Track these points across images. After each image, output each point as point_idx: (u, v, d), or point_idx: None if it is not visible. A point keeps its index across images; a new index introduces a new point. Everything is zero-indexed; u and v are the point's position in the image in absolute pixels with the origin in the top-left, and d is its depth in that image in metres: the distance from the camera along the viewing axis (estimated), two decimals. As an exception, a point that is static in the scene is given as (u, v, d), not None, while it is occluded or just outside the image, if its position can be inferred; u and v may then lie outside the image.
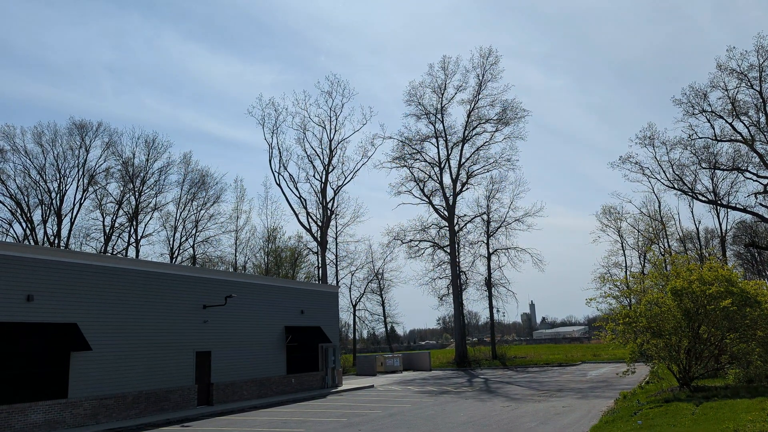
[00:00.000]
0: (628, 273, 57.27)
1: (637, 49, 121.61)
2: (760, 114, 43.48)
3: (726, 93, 44.11)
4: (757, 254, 62.88)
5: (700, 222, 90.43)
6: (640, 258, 60.89)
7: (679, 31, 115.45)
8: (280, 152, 52.89)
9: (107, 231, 50.77)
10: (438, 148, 53.65)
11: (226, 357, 25.67)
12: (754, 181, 45.76)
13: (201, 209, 55.67)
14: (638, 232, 60.97)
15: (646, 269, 55.89)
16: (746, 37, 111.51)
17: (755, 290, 19.61)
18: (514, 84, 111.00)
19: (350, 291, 60.69)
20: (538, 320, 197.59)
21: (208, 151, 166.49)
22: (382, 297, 66.20)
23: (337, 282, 55.95)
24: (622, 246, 61.91)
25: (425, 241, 54.28)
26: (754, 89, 43.08)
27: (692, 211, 68.40)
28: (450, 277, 52.53)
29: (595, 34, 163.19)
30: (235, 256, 57.27)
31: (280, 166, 52.54)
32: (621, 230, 62.12)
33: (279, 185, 59.13)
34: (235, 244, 57.25)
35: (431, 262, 54.52)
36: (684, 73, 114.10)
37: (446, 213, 52.74)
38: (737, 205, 48.60)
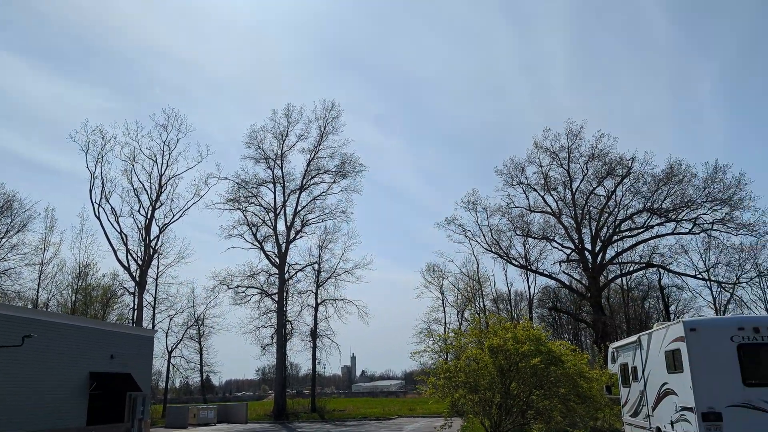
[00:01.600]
0: (447, 329, 60.20)
1: (466, 121, 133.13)
2: (567, 191, 49.13)
3: (540, 169, 49.39)
4: (557, 317, 69.69)
5: (512, 284, 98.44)
6: (458, 315, 64.47)
7: (504, 109, 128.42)
8: (103, 182, 47.95)
9: None
10: (275, 193, 53.02)
11: (16, 404, 22.25)
12: (559, 250, 51.14)
13: (2, 237, 49.01)
14: (458, 290, 64.72)
15: (463, 326, 59.22)
16: (559, 120, 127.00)
17: (559, 350, 21.37)
18: (353, 139, 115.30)
19: (167, 336, 56.38)
20: (358, 373, 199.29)
21: (17, 174, 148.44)
22: (200, 344, 62.57)
23: (154, 326, 51.76)
24: (443, 303, 65.20)
25: (253, 287, 52.55)
26: (563, 168, 48.73)
27: (506, 274, 74.89)
28: (276, 326, 51.19)
29: (428, 103, 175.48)
30: (38, 291, 50.78)
31: (101, 198, 47.56)
32: (443, 287, 65.50)
33: (98, 217, 50.51)
34: (39, 278, 50.85)
35: (257, 310, 52.76)
36: (506, 146, 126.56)
37: (278, 260, 51.79)
38: (544, 271, 53.73)
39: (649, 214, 46.97)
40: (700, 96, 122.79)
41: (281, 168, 53.11)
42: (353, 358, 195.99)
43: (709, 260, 53.57)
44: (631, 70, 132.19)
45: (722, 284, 50.58)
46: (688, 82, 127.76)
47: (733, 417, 12.84)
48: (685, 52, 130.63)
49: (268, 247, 52.50)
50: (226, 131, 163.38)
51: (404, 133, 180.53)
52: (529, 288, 62.92)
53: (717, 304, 54.82)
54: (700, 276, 51.79)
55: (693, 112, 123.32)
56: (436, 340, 25.54)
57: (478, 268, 63.21)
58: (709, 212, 45.01)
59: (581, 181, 48.72)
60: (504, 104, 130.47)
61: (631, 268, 52.95)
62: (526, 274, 61.02)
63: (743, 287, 50.81)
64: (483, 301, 64.39)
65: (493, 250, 53.32)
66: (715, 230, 45.49)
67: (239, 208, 52.23)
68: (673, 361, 14.69)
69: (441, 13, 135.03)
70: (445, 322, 63.81)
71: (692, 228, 46.20)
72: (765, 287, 51.94)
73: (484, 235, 52.86)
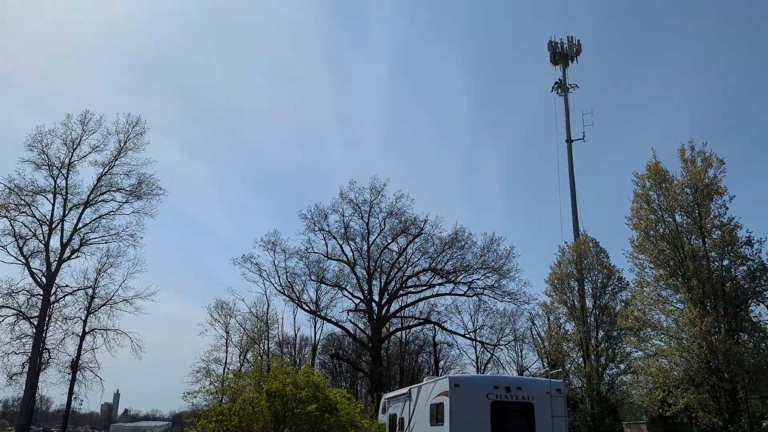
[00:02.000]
0: (227, 370, 57.97)
1: (277, 159, 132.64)
2: (364, 243, 51.17)
3: (343, 218, 50.94)
4: (338, 364, 71.01)
5: (299, 329, 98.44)
6: (240, 356, 62.54)
7: (316, 154, 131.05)
8: None
9: None
10: (54, 205, 47.27)
11: None
12: (349, 299, 52.60)
13: None
14: (244, 330, 63.01)
15: (245, 367, 57.49)
16: (366, 173, 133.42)
17: (335, 398, 21.70)
18: (155, 160, 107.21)
19: None
20: (120, 411, 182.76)
21: None
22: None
23: None
24: (227, 342, 62.92)
25: (9, 307, 45.80)
26: (364, 221, 50.84)
27: (295, 318, 74.44)
28: (30, 354, 44.89)
29: (243, 136, 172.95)
30: None
31: None
32: (228, 326, 63.33)
33: None
34: None
35: (10, 333, 45.90)
36: (314, 190, 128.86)
37: (44, 280, 45.99)
38: (332, 318, 54.72)
39: (432, 273, 50.72)
40: (487, 172, 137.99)
41: (66, 178, 47.84)
42: (117, 395, 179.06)
43: (477, 322, 59.20)
44: (434, 139, 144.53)
45: (485, 344, 56.02)
46: (479, 158, 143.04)
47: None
48: (480, 130, 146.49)
49: (36, 263, 46.52)
50: (3, 127, 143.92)
51: (213, 162, 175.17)
52: (315, 334, 63.51)
53: (479, 363, 60.29)
54: (468, 336, 57.09)
55: (480, 186, 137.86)
56: (213, 381, 24.44)
57: (268, 309, 62.42)
58: (482, 278, 50.03)
59: (378, 235, 51.18)
60: (316, 150, 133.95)
61: (412, 323, 56.29)
62: (315, 320, 61.61)
63: (502, 349, 56.84)
64: (268, 344, 63.43)
65: (286, 292, 53.10)
66: (485, 295, 50.61)
67: (7, 216, 45.78)
68: (436, 414, 15.72)
69: (269, 51, 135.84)
70: (225, 363, 61.53)
71: (467, 291, 50.87)
72: (519, 350, 58.51)
73: (279, 277, 52.49)
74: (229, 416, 19.79)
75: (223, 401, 25.48)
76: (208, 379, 38.39)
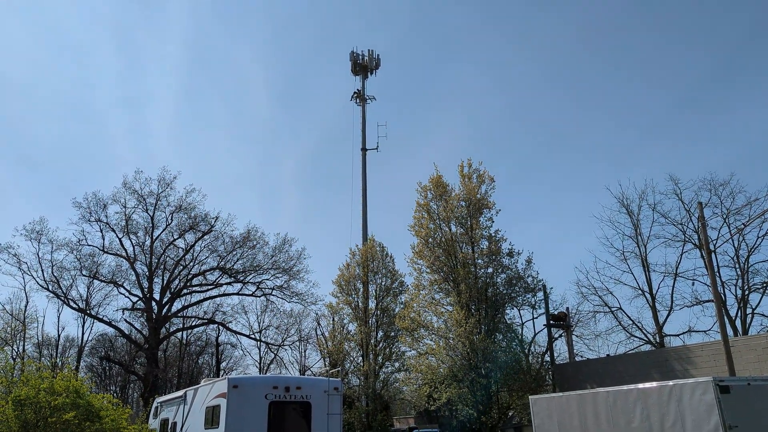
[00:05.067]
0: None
1: (45, 138, 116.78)
2: (147, 237, 47.71)
3: (124, 210, 46.94)
4: (108, 368, 65.31)
5: (64, 329, 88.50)
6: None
7: (94, 135, 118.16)
8: None
9: None
10: None
11: None
12: (126, 297, 48.58)
13: None
14: (-6, 330, 54.83)
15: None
16: (154, 163, 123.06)
17: (100, 403, 19.89)
18: None
19: None
20: None
21: None
22: None
23: None
24: (-32, 344, 54.15)
25: None
26: (148, 214, 47.41)
27: (59, 317, 66.65)
28: None
29: (4, 109, 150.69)
30: None
31: None
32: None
33: None
34: None
35: None
36: (91, 177, 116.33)
37: None
38: (104, 318, 50.14)
39: (221, 272, 49.15)
40: (284, 172, 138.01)
41: None
42: None
43: (263, 322, 58.81)
44: (231, 134, 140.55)
45: (270, 345, 55.85)
46: (276, 157, 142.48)
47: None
48: (279, 129, 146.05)
49: None
50: None
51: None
52: (83, 334, 57.71)
53: (262, 363, 59.93)
54: (253, 336, 56.42)
55: (276, 186, 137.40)
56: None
57: (26, 306, 55.21)
58: (272, 278, 49.76)
59: (163, 230, 48.12)
60: (94, 131, 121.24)
61: (194, 323, 53.96)
62: (83, 319, 56.00)
63: (286, 349, 57.18)
64: (24, 345, 56.10)
65: (50, 288, 47.29)
66: (274, 295, 50.41)
67: None
68: (212, 417, 15.21)
69: (44, 10, 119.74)
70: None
71: (255, 291, 50.20)
72: (303, 350, 59.37)
73: (43, 271, 46.57)
74: (-33, 430, 17.06)
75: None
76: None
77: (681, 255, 38.56)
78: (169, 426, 18.90)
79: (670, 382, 19.60)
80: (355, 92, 52.66)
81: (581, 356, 38.45)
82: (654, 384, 20.15)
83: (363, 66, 53.07)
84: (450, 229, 34.29)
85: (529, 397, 25.34)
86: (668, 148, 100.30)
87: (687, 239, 38.23)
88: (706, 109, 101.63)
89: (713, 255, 34.89)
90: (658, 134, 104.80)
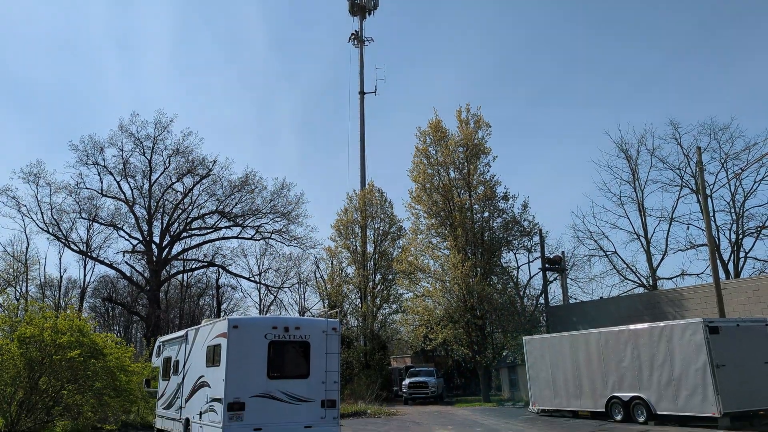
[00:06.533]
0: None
1: (41, 80, 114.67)
2: (146, 180, 47.64)
3: (122, 153, 46.65)
4: (111, 309, 66.44)
5: (65, 270, 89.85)
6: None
7: (89, 77, 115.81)
8: None
9: None
10: None
11: None
12: (126, 240, 48.90)
13: None
14: (-3, 271, 55.42)
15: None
16: (149, 106, 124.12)
17: (104, 342, 20.39)
18: None
19: None
20: None
21: None
22: None
23: None
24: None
25: None
26: (146, 157, 47.16)
27: (60, 259, 67.31)
28: None
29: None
30: None
31: None
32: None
33: None
34: None
35: None
36: (87, 119, 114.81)
37: None
38: (105, 260, 50.60)
39: (220, 216, 49.35)
40: (281, 116, 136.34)
41: None
42: None
43: (263, 265, 59.50)
44: (227, 77, 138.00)
45: (269, 287, 56.72)
46: (273, 101, 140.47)
47: (254, 406, 14.31)
48: (277, 73, 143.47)
49: None
50: None
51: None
52: (85, 276, 58.38)
53: (262, 305, 60.97)
54: (253, 279, 57.23)
55: (274, 130, 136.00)
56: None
57: (28, 248, 55.60)
58: (270, 222, 50.04)
59: (161, 173, 47.99)
60: (89, 73, 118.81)
61: (194, 266, 54.54)
62: (85, 261, 56.50)
63: (286, 291, 58.08)
64: (26, 286, 56.83)
65: (50, 231, 47.53)
66: (272, 239, 50.82)
67: None
68: (213, 356, 15.56)
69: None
70: (-30, 307, 53.71)
71: (254, 234, 50.56)
72: (302, 293, 60.30)
73: (42, 213, 46.68)
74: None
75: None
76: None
77: (677, 200, 38.80)
78: (172, 364, 19.37)
79: (661, 323, 20.10)
80: (352, 33, 51.51)
81: (575, 299, 39.19)
82: (645, 325, 20.67)
83: (361, 6, 51.71)
84: (448, 174, 34.32)
85: (523, 337, 26.00)
86: (670, 93, 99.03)
87: (684, 184, 38.35)
88: (719, 51, 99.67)
89: (709, 199, 35.13)
90: (657, 80, 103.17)
